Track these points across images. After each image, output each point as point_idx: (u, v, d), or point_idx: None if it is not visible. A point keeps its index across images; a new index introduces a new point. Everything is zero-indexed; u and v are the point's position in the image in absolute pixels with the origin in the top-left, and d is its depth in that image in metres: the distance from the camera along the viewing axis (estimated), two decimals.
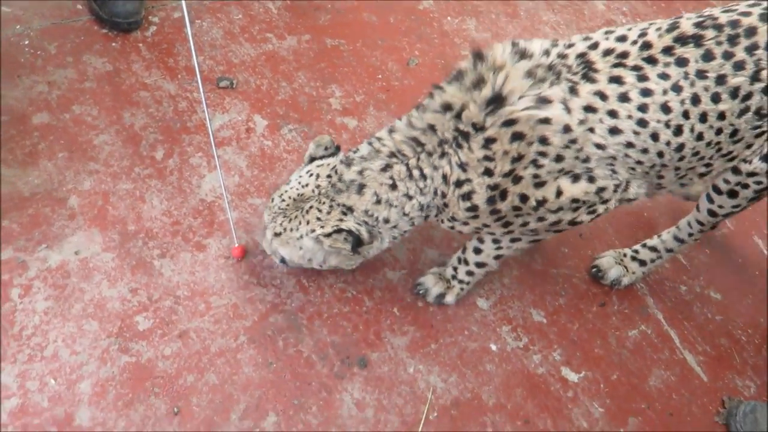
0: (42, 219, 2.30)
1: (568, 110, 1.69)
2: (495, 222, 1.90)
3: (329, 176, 1.99)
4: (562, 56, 1.74)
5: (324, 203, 1.96)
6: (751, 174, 1.91)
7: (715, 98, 1.70)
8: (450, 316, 2.35)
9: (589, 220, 1.88)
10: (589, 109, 1.69)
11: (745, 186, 1.96)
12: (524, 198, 1.79)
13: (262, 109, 2.80)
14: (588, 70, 1.71)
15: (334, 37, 3.17)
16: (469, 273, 2.25)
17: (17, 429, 1.90)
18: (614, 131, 1.71)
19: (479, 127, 1.71)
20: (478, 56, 1.71)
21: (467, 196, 1.82)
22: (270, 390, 2.09)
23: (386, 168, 1.87)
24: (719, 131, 1.76)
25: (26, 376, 1.99)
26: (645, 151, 1.76)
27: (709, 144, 1.78)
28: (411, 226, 2.01)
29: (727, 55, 1.67)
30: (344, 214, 1.94)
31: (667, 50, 1.69)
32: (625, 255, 2.50)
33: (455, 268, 2.27)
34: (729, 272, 2.67)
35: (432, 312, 2.35)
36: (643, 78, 1.69)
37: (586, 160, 1.74)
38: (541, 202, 1.80)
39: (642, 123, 1.71)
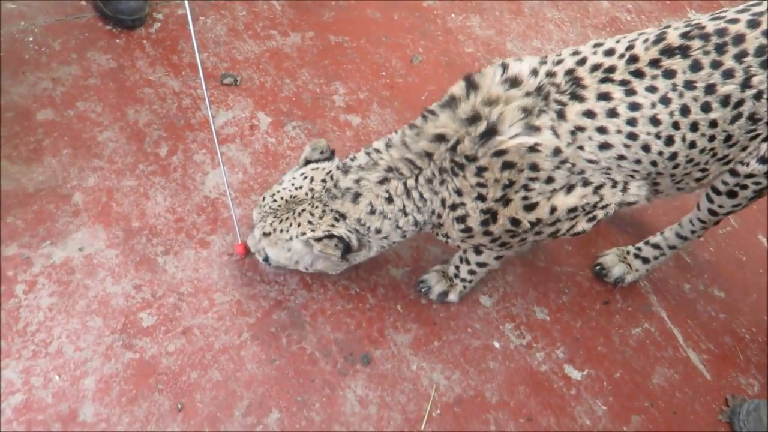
0: (46, 215, 2.30)
1: (557, 135, 1.71)
2: (491, 243, 1.92)
3: (324, 181, 1.99)
4: (551, 74, 1.75)
5: (317, 207, 1.96)
6: (749, 176, 1.90)
7: (706, 107, 1.70)
8: (453, 314, 2.35)
9: (590, 228, 1.87)
10: (578, 129, 1.71)
11: (744, 187, 1.96)
12: (516, 222, 1.81)
13: (266, 106, 2.80)
14: (576, 87, 1.72)
15: (337, 34, 3.16)
16: (471, 272, 2.25)
17: (22, 424, 1.91)
18: (604, 146, 1.73)
19: (472, 158, 1.73)
20: (471, 84, 1.74)
21: (461, 219, 1.86)
22: (273, 387, 2.10)
23: (383, 181, 1.88)
24: (712, 138, 1.76)
25: (31, 372, 1.99)
26: (638, 161, 1.76)
27: (702, 151, 1.79)
28: (402, 238, 2.02)
29: (716, 64, 1.67)
30: (336, 220, 1.95)
31: (654, 63, 1.69)
32: (628, 252, 2.50)
33: (457, 267, 2.27)
34: (733, 270, 2.67)
35: (435, 309, 2.35)
36: (630, 92, 1.69)
37: (582, 172, 1.77)
38: (535, 223, 1.82)
39: (632, 136, 1.72)
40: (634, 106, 1.69)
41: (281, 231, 2.01)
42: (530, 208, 1.79)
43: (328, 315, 2.27)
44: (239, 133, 2.69)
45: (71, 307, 2.14)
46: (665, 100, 1.69)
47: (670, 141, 1.73)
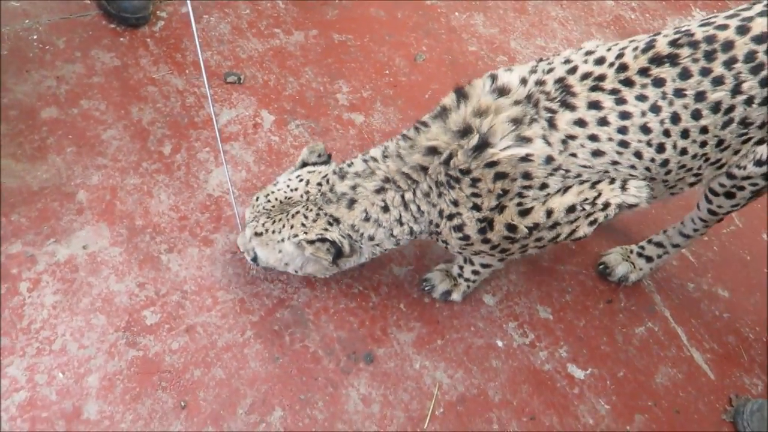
0: (50, 213, 2.31)
1: (549, 144, 1.71)
2: (491, 250, 1.92)
3: (320, 184, 1.98)
4: (540, 83, 1.75)
5: (311, 210, 1.95)
6: (746, 177, 1.90)
7: (696, 115, 1.70)
8: (456, 313, 2.35)
9: (590, 232, 1.86)
10: (569, 138, 1.71)
11: (741, 188, 1.96)
12: (512, 228, 1.81)
13: (270, 105, 2.81)
14: (566, 95, 1.72)
15: (341, 33, 3.16)
16: (475, 272, 2.25)
17: (26, 422, 1.91)
18: (597, 153, 1.73)
19: (465, 171, 1.74)
20: (461, 95, 1.75)
21: (459, 228, 1.86)
22: (276, 385, 2.10)
23: (380, 191, 1.88)
24: (704, 144, 1.76)
25: (35, 370, 2.00)
26: (632, 167, 1.76)
27: (694, 156, 1.79)
28: (394, 245, 2.02)
29: (705, 72, 1.66)
30: (330, 224, 1.94)
31: (643, 71, 1.69)
32: (631, 251, 2.49)
33: (461, 267, 2.27)
34: (737, 269, 2.66)
35: (438, 308, 2.35)
36: (621, 101, 1.69)
37: (578, 175, 1.76)
38: (533, 228, 1.81)
39: (623, 144, 1.72)
40: (625, 115, 1.69)
41: (273, 232, 1.98)
42: (525, 213, 1.79)
43: (332, 313, 2.27)
44: (243, 132, 2.69)
45: (75, 304, 2.14)
46: (655, 109, 1.69)
47: (661, 148, 1.74)
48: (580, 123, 1.70)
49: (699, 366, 2.38)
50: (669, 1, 3.75)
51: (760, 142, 1.80)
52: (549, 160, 1.72)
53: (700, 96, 1.68)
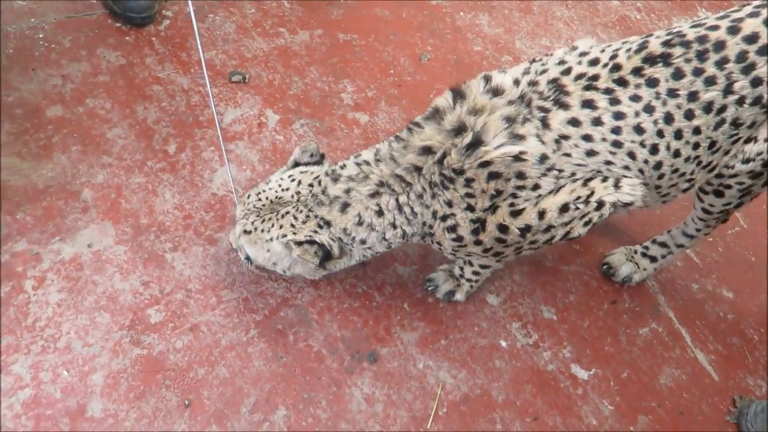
0: (56, 212, 2.32)
1: (542, 143, 1.71)
2: (483, 252, 1.91)
3: (311, 185, 1.97)
4: (533, 83, 1.76)
5: (301, 211, 1.94)
6: (733, 176, 1.91)
7: (689, 115, 1.70)
8: (460, 313, 2.35)
9: (585, 232, 1.85)
10: (563, 137, 1.71)
11: (728, 186, 1.96)
12: (503, 228, 1.81)
13: (274, 104, 2.81)
14: (560, 94, 1.72)
15: (346, 32, 3.16)
16: (475, 273, 2.25)
17: (30, 419, 1.92)
18: (591, 153, 1.73)
19: (459, 171, 1.74)
20: (457, 94, 1.76)
21: (452, 229, 1.86)
22: (280, 384, 2.10)
23: (375, 195, 1.87)
24: (696, 146, 1.76)
25: (39, 368, 2.01)
26: (626, 168, 1.76)
27: (687, 159, 1.78)
28: (386, 249, 2.01)
29: (697, 72, 1.66)
30: (320, 226, 1.93)
31: (637, 71, 1.69)
32: (635, 252, 2.49)
33: (461, 268, 2.27)
34: (741, 271, 2.66)
35: (442, 308, 2.35)
36: (615, 101, 1.69)
37: (573, 174, 1.76)
38: (525, 229, 1.81)
39: (617, 144, 1.71)
40: (619, 115, 1.69)
41: (262, 231, 1.97)
42: (516, 213, 1.78)
43: (335, 313, 2.27)
44: (247, 131, 2.69)
45: (80, 303, 2.15)
46: (649, 109, 1.69)
47: (654, 150, 1.73)
48: (574, 122, 1.70)
49: (703, 367, 2.37)
50: (675, 1, 3.74)
51: (747, 141, 1.80)
52: (543, 158, 1.71)
53: (692, 96, 1.68)
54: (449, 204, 1.81)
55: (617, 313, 2.45)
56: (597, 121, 1.69)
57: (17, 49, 2.71)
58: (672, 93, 1.68)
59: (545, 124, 1.71)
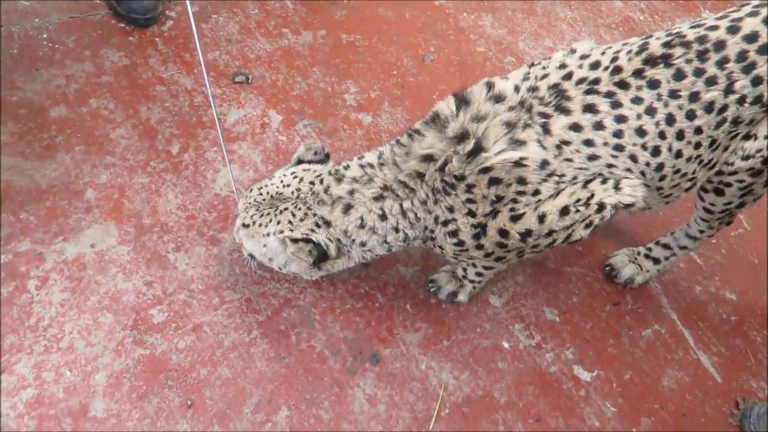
0: (59, 212, 2.32)
1: (543, 148, 1.71)
2: (485, 257, 1.91)
3: (312, 183, 1.96)
4: (533, 89, 1.75)
5: (300, 209, 1.93)
6: (733, 173, 1.90)
7: (690, 115, 1.70)
8: (462, 314, 2.35)
9: (587, 235, 1.84)
10: (564, 143, 1.71)
11: (728, 184, 1.96)
12: (504, 233, 1.80)
13: (278, 105, 2.81)
14: (561, 100, 1.71)
15: (349, 33, 3.17)
16: (478, 274, 2.24)
17: (33, 419, 1.92)
18: (593, 158, 1.72)
19: (460, 178, 1.74)
20: (461, 100, 1.76)
21: (453, 234, 1.86)
22: (282, 384, 2.10)
23: (379, 198, 1.87)
24: (698, 145, 1.76)
25: (42, 367, 2.01)
26: (628, 170, 1.76)
27: (689, 159, 1.78)
28: (386, 252, 2.01)
29: (698, 72, 1.67)
30: (318, 226, 1.92)
31: (638, 73, 1.69)
32: (638, 253, 2.49)
33: (464, 269, 2.27)
34: (745, 272, 2.65)
35: (444, 309, 2.35)
36: (616, 104, 1.69)
37: (574, 178, 1.76)
38: (525, 234, 1.80)
39: (619, 147, 1.71)
40: (620, 118, 1.69)
41: (260, 225, 1.96)
42: (517, 218, 1.78)
43: (338, 313, 2.27)
44: (250, 131, 2.70)
45: (83, 303, 2.15)
46: (651, 111, 1.69)
47: (656, 151, 1.73)
48: (575, 127, 1.70)
49: (706, 369, 2.37)
50: (678, 2, 3.74)
51: (746, 138, 1.80)
52: (544, 164, 1.71)
53: (694, 96, 1.68)
54: (451, 209, 1.81)
55: (620, 314, 2.45)
56: (599, 126, 1.69)
57: (21, 49, 2.72)
58: (673, 94, 1.68)
59: (546, 129, 1.70)
